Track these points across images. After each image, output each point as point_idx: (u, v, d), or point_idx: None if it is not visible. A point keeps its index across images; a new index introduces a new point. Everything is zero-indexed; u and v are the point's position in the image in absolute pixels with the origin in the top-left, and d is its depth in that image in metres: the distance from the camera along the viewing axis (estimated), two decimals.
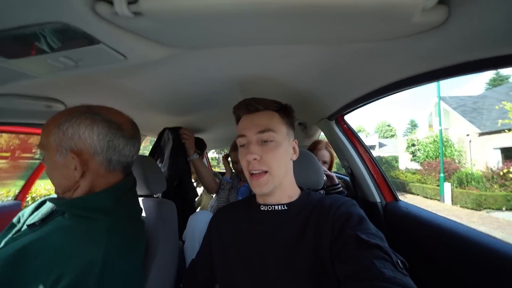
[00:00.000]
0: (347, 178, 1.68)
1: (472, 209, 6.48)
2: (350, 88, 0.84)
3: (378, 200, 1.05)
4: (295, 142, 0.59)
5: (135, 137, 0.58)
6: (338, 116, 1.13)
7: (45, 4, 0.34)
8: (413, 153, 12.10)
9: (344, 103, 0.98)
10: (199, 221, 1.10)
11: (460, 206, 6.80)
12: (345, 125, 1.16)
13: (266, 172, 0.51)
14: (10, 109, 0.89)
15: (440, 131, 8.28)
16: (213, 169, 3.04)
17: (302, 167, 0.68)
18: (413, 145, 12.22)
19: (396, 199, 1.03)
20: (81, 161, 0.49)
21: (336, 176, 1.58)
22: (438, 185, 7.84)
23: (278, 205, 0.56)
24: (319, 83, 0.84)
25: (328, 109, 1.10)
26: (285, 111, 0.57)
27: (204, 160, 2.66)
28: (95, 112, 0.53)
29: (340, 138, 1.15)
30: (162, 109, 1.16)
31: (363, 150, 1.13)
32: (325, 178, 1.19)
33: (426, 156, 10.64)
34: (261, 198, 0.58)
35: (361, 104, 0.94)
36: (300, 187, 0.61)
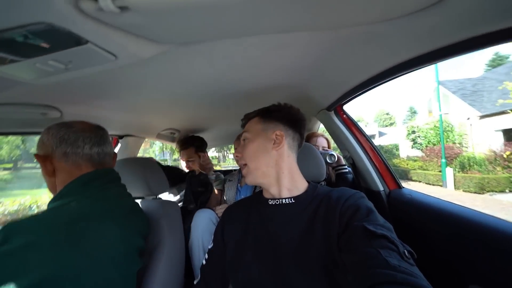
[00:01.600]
0: (349, 169, 1.68)
1: (475, 192, 6.49)
2: (347, 77, 0.83)
3: (381, 188, 1.04)
4: (280, 132, 0.60)
5: (86, 132, 0.63)
6: (336, 106, 1.12)
7: (26, 4, 0.33)
8: (413, 140, 12.08)
9: (342, 93, 0.96)
10: (202, 219, 1.14)
11: (463, 191, 6.80)
12: (344, 115, 1.15)
13: (245, 165, 0.60)
14: (6, 118, 0.88)
15: (440, 116, 8.24)
16: (214, 168, 3.04)
17: (303, 160, 0.68)
18: (413, 132, 12.18)
19: (399, 186, 1.03)
20: (47, 162, 0.59)
21: None
22: (440, 171, 7.84)
23: (284, 198, 0.57)
24: (315, 73, 0.83)
25: (326, 100, 1.08)
26: (262, 112, 0.65)
27: None
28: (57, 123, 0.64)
29: (340, 129, 1.14)
30: (159, 109, 1.14)
31: (364, 139, 1.12)
32: (335, 158, 1.20)
33: (428, 142, 10.62)
34: (265, 192, 0.62)
35: (360, 92, 0.92)
36: (307, 181, 0.62)
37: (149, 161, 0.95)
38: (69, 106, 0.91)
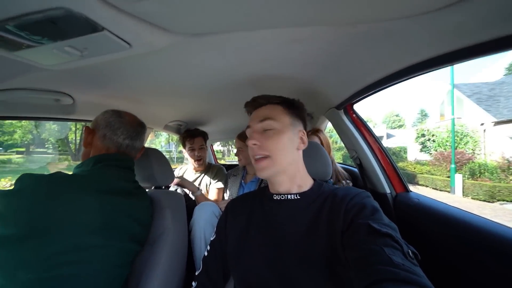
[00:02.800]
0: (355, 169, 1.66)
1: (484, 201, 6.32)
2: (360, 75, 0.80)
3: (388, 191, 1.03)
4: (304, 133, 0.60)
5: (129, 124, 0.74)
6: (346, 105, 1.10)
7: None
8: (422, 143, 11.80)
9: (353, 91, 0.93)
10: (204, 211, 1.14)
11: (472, 198, 6.63)
12: (354, 115, 1.13)
13: (267, 157, 0.55)
14: (20, 103, 0.91)
15: (453, 120, 7.98)
16: (219, 162, 3.06)
17: (310, 158, 0.67)
18: (423, 135, 11.89)
19: (406, 190, 1.01)
20: (89, 135, 0.71)
21: (342, 167, 1.56)
22: (448, 177, 7.65)
23: (290, 194, 0.57)
24: (328, 69, 0.81)
25: (336, 98, 1.06)
26: (288, 104, 0.61)
27: (209, 152, 2.68)
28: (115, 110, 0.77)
29: (348, 128, 1.12)
30: (167, 101, 1.15)
31: (373, 140, 1.10)
32: None
33: (438, 145, 10.35)
34: (272, 187, 0.60)
35: (372, 92, 0.89)
36: (313, 179, 0.61)
37: (155, 152, 0.96)
38: (81, 93, 0.93)
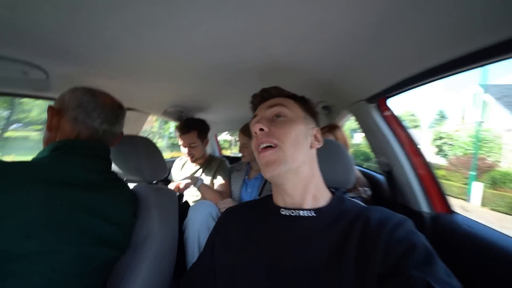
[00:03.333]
0: (375, 174, 1.44)
1: (505, 213, 5.87)
2: (401, 64, 0.62)
3: (425, 209, 0.82)
4: (318, 131, 0.51)
5: (107, 106, 0.62)
6: (380, 99, 0.88)
7: None
8: (439, 146, 11.20)
9: (391, 83, 0.73)
10: (199, 212, 1.01)
11: (490, 209, 6.20)
12: (388, 111, 0.91)
13: (276, 146, 0.44)
14: None
15: (478, 124, 7.38)
16: (224, 152, 2.89)
17: (328, 161, 0.57)
18: (441, 138, 11.27)
19: (450, 210, 0.80)
20: (55, 117, 0.59)
21: (358, 170, 1.35)
22: (465, 184, 7.20)
23: (303, 210, 0.45)
24: (360, 55, 0.64)
25: (368, 90, 0.84)
26: (300, 99, 0.54)
27: (214, 142, 2.51)
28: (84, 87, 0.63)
29: (379, 127, 0.90)
30: (165, 83, 0.98)
31: (411, 144, 0.88)
32: None
33: (456, 149, 9.76)
34: (279, 197, 0.48)
35: (413, 86, 0.69)
36: (330, 190, 0.50)
37: (145, 142, 0.80)
38: (57, 66, 0.76)
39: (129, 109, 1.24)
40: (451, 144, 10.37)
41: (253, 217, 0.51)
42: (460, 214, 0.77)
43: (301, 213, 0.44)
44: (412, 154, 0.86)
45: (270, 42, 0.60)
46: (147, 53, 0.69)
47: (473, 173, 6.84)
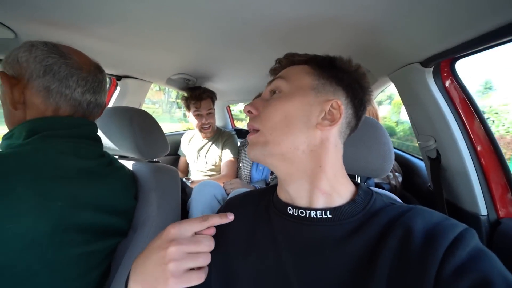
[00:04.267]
0: (407, 156, 1.22)
1: None
2: (481, 13, 0.42)
3: (483, 212, 0.63)
4: (339, 104, 0.35)
5: (83, 70, 0.50)
6: (441, 62, 0.63)
7: None
8: None
9: (462, 40, 0.51)
10: (203, 193, 0.95)
11: None
12: (450, 79, 0.66)
13: (257, 131, 0.37)
14: None
15: None
16: (238, 125, 2.76)
17: (362, 144, 0.47)
18: (483, 112, 10.00)
19: None
20: (15, 88, 0.46)
21: None
22: None
23: (313, 210, 0.34)
24: (413, 5, 0.45)
25: (426, 49, 0.61)
26: (319, 62, 0.39)
27: (226, 114, 2.37)
28: (46, 41, 0.48)
29: (433, 99, 0.67)
30: (168, 46, 0.82)
31: (478, 127, 0.65)
32: None
33: (498, 126, 8.67)
34: (283, 191, 0.38)
35: (492, 44, 0.48)
36: (354, 182, 0.38)
37: (142, 115, 0.71)
38: (26, 23, 0.62)
39: (127, 77, 1.10)
40: (493, 121, 9.19)
41: (257, 215, 0.41)
42: None
43: (313, 213, 0.34)
44: (477, 140, 0.64)
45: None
46: (146, 9, 0.54)
47: None
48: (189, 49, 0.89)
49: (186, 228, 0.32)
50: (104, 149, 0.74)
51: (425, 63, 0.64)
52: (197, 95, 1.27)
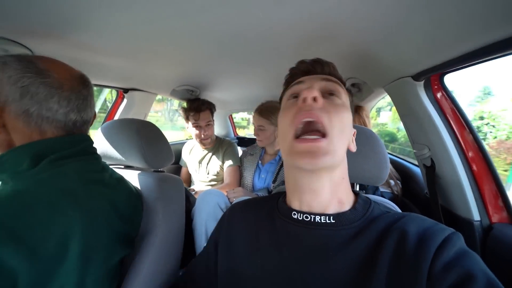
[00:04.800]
0: (406, 164, 1.25)
1: None
2: (467, 32, 0.47)
3: (476, 218, 0.66)
4: (354, 133, 0.42)
5: (65, 89, 0.44)
6: (431, 76, 0.67)
7: None
8: (478, 127, 10.06)
9: (449, 57, 0.56)
10: (206, 202, 0.96)
11: None
12: (441, 92, 0.70)
13: (324, 136, 0.34)
14: None
15: None
16: (241, 132, 2.80)
17: (359, 152, 0.48)
18: (482, 118, 10.03)
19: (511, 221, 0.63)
20: None
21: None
22: (505, 170, 6.47)
23: (320, 215, 0.36)
24: (406, 28, 0.51)
25: (416, 64, 0.65)
26: (348, 90, 0.43)
27: (229, 123, 2.42)
28: (20, 56, 0.43)
29: (425, 110, 0.71)
30: (172, 60, 0.87)
31: (467, 136, 0.68)
32: None
33: (504, 129, 8.67)
34: (296, 198, 0.38)
35: (480, 60, 0.53)
36: (354, 191, 0.41)
37: (148, 126, 0.74)
38: (42, 42, 0.67)
39: (133, 89, 1.15)
40: (493, 126, 9.22)
41: (260, 219, 0.43)
42: None
43: (317, 218, 0.36)
44: (468, 148, 0.68)
45: (293, 3, 0.44)
46: (154, 28, 0.58)
47: None
48: (193, 63, 0.94)
49: None
50: (111, 160, 0.78)
51: (416, 77, 0.68)
52: (195, 107, 1.28)
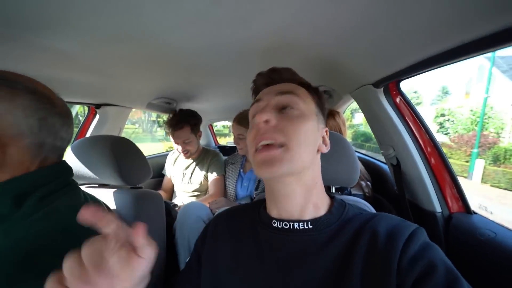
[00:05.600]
0: (376, 162, 1.35)
1: (505, 189, 5.88)
2: (414, 45, 0.53)
3: (438, 209, 0.73)
4: (327, 133, 0.43)
5: (70, 117, 0.45)
6: (389, 83, 0.75)
7: None
8: (441, 124, 11.05)
9: (402, 66, 0.62)
10: (188, 216, 0.94)
11: (491, 185, 6.19)
12: (399, 97, 0.78)
13: (282, 145, 0.35)
14: None
15: (485, 99, 7.07)
16: (222, 141, 2.79)
17: (330, 157, 0.51)
18: (443, 115, 11.07)
19: (467, 210, 0.71)
20: None
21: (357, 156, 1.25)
22: (467, 161, 7.15)
23: (298, 221, 0.38)
24: (366, 38, 0.56)
25: (375, 73, 0.72)
26: (314, 91, 0.44)
27: (209, 132, 2.40)
28: (11, 79, 0.38)
29: (387, 115, 0.78)
30: (145, 72, 0.85)
31: (424, 135, 0.76)
32: None
33: (457, 126, 9.62)
34: (273, 206, 0.40)
35: (431, 68, 0.59)
36: (329, 194, 0.43)
37: (122, 142, 0.72)
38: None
39: (106, 104, 1.11)
40: (453, 121, 10.21)
41: (243, 229, 0.43)
42: (481, 216, 0.68)
43: (296, 225, 0.38)
44: (425, 146, 0.75)
45: (265, 16, 0.47)
46: (124, 37, 0.55)
47: (476, 150, 6.75)
48: (169, 76, 0.93)
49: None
50: (83, 180, 0.74)
51: (376, 85, 0.75)
52: (173, 124, 1.24)
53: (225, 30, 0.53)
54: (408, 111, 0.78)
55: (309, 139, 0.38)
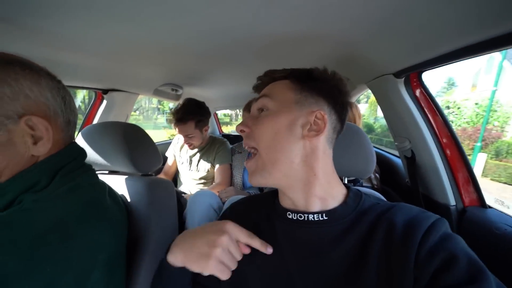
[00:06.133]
0: (392, 158, 1.34)
1: (505, 183, 5.90)
2: (445, 35, 0.50)
3: (452, 203, 0.73)
4: (322, 114, 0.38)
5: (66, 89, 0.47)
6: (411, 74, 0.72)
7: None
8: None
9: (428, 57, 0.60)
10: (198, 203, 0.94)
11: (491, 179, 6.21)
12: (420, 89, 0.75)
13: (255, 153, 0.40)
14: None
15: (493, 92, 6.91)
16: (223, 129, 2.76)
17: (346, 148, 0.51)
18: (448, 107, 10.92)
19: (482, 204, 0.70)
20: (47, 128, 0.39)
21: None
22: (469, 155, 7.15)
23: (310, 213, 0.38)
24: (388, 25, 0.53)
25: (397, 63, 0.69)
26: (298, 75, 0.42)
27: (213, 120, 2.37)
28: (26, 62, 0.39)
29: (406, 106, 0.76)
30: (153, 58, 0.83)
31: (443, 129, 0.74)
32: None
33: (460, 119, 9.52)
34: (283, 197, 0.42)
35: (454, 61, 0.57)
36: (345, 184, 0.42)
37: (133, 129, 0.71)
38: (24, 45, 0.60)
39: (113, 90, 1.08)
40: (457, 114, 10.08)
41: (259, 219, 0.44)
42: (496, 210, 0.67)
43: (310, 217, 0.38)
44: (444, 141, 0.74)
45: (281, 1, 0.44)
46: (132, 25, 0.54)
47: (479, 144, 6.71)
48: (176, 61, 0.90)
49: (237, 232, 0.36)
50: (93, 166, 0.74)
51: (397, 75, 0.72)
52: (178, 118, 1.19)
53: (243, 14, 0.50)
54: (427, 103, 0.76)
55: (279, 135, 0.38)
